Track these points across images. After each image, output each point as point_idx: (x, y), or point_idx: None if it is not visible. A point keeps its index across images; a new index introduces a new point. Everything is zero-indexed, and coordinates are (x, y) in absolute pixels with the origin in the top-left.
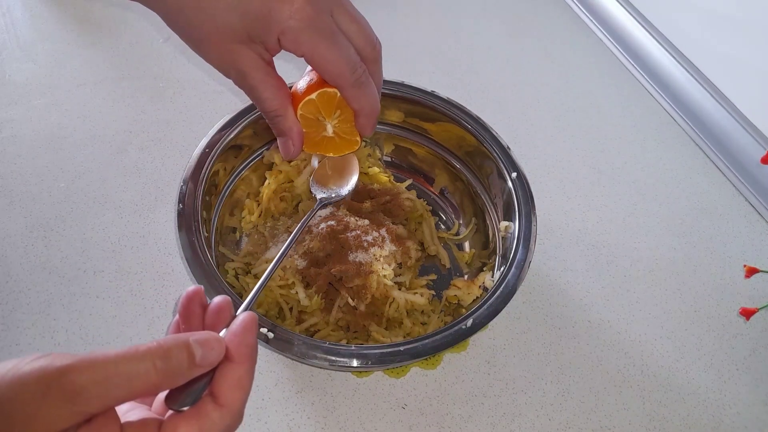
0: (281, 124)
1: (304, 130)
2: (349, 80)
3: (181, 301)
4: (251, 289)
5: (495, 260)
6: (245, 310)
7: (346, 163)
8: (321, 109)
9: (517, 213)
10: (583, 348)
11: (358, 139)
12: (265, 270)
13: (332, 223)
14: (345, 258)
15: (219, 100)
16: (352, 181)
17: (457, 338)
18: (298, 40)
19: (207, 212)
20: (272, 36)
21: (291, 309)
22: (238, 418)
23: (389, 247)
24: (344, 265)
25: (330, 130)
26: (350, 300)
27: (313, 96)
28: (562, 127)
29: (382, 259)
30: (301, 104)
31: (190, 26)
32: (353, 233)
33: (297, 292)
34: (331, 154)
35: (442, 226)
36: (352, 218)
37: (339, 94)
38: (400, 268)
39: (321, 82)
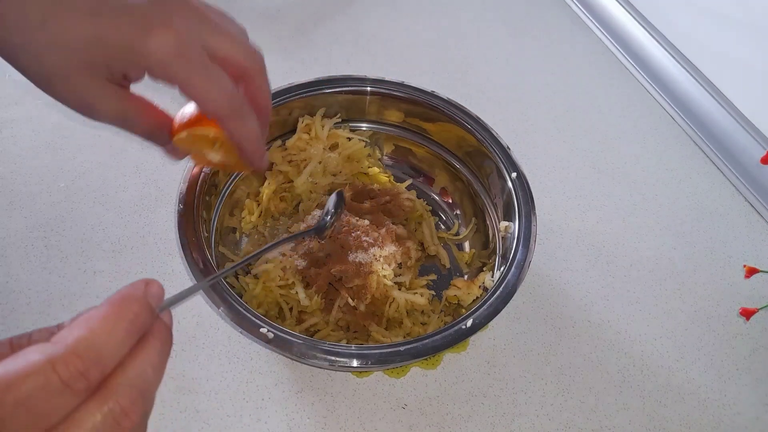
0: (160, 144)
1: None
2: (225, 113)
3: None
4: (250, 291)
5: (495, 260)
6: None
7: None
8: (196, 145)
9: (517, 213)
10: (583, 348)
11: None
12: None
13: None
14: (345, 258)
15: None
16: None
17: (457, 338)
18: (168, 73)
19: (207, 212)
20: (138, 70)
21: (291, 309)
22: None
23: (389, 247)
24: (344, 265)
25: (216, 158)
26: (350, 300)
27: (183, 135)
28: (562, 127)
29: (382, 259)
30: (174, 139)
31: (40, 64)
32: (353, 233)
33: (297, 292)
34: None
35: (442, 226)
36: (353, 218)
37: (213, 133)
38: (400, 268)
39: (198, 116)
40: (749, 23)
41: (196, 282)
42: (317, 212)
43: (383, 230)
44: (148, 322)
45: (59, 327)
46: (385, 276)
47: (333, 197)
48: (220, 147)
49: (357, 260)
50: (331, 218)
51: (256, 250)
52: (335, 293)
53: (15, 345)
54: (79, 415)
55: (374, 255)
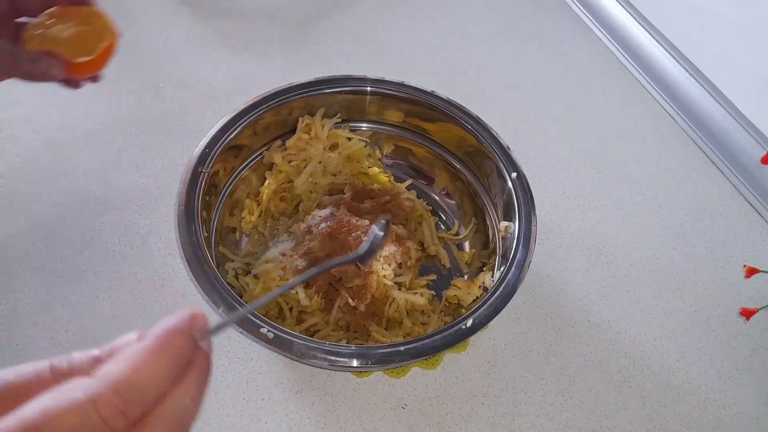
0: None
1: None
2: None
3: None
4: (250, 291)
5: (495, 260)
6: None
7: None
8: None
9: (517, 213)
10: (583, 348)
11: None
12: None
13: (332, 223)
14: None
15: (219, 100)
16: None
17: (457, 338)
18: None
19: (207, 212)
20: None
21: (291, 309)
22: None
23: (389, 247)
24: (344, 266)
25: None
26: (350, 300)
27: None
28: (562, 127)
29: (381, 259)
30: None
31: None
32: (353, 233)
33: (297, 292)
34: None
35: (442, 226)
36: (353, 219)
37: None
38: (400, 268)
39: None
40: (749, 23)
41: (196, 282)
42: (317, 212)
43: None
44: (191, 356)
45: (101, 354)
46: (385, 276)
47: (378, 226)
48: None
49: None
50: (375, 246)
51: (304, 274)
52: (335, 293)
53: (56, 371)
54: None
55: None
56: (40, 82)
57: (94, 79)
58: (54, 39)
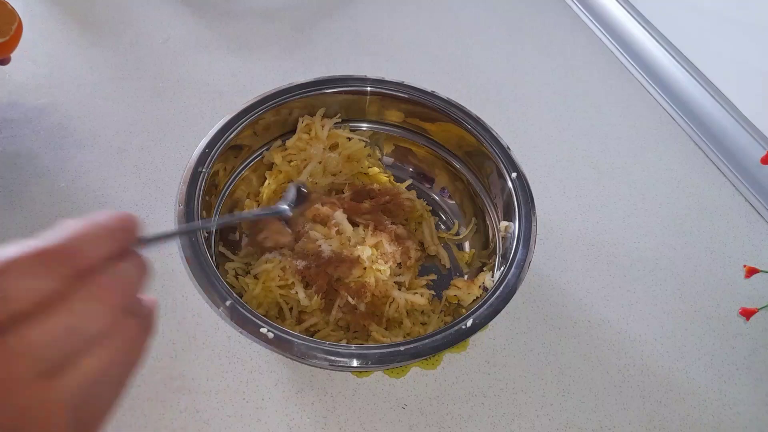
0: None
1: None
2: None
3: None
4: (251, 290)
5: (495, 260)
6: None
7: None
8: None
9: (517, 213)
10: (583, 348)
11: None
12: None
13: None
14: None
15: (219, 100)
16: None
17: (457, 338)
18: None
19: (207, 212)
20: None
21: (291, 309)
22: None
23: (390, 246)
24: (340, 263)
25: None
26: (350, 299)
27: None
28: (562, 127)
29: (379, 257)
30: None
31: None
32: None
33: (297, 292)
34: None
35: (442, 226)
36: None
37: None
38: (400, 268)
39: None
40: (749, 23)
41: (196, 282)
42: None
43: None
44: (126, 239)
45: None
46: (379, 270)
47: (292, 191)
48: None
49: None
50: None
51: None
52: (335, 294)
53: None
54: (64, 292)
55: (373, 254)
56: None
57: (4, 62)
58: None
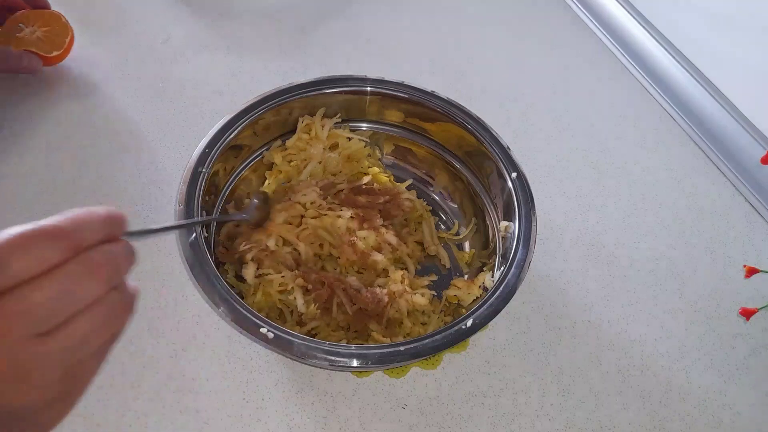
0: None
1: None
2: None
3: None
4: (252, 297)
5: (495, 260)
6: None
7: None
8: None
9: (517, 213)
10: (583, 348)
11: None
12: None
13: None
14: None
15: (219, 100)
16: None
17: (457, 338)
18: None
19: (207, 212)
20: None
21: (291, 312)
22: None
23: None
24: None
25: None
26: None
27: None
28: (562, 127)
29: (402, 281)
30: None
31: None
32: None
33: (295, 298)
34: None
35: (442, 226)
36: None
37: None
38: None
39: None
40: (749, 23)
41: (196, 282)
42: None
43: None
44: (116, 228)
45: None
46: (413, 301)
47: (253, 200)
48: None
49: (375, 287)
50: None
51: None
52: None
53: None
54: (60, 263)
55: (392, 279)
56: (20, 74)
57: (37, 72)
58: (31, 40)
